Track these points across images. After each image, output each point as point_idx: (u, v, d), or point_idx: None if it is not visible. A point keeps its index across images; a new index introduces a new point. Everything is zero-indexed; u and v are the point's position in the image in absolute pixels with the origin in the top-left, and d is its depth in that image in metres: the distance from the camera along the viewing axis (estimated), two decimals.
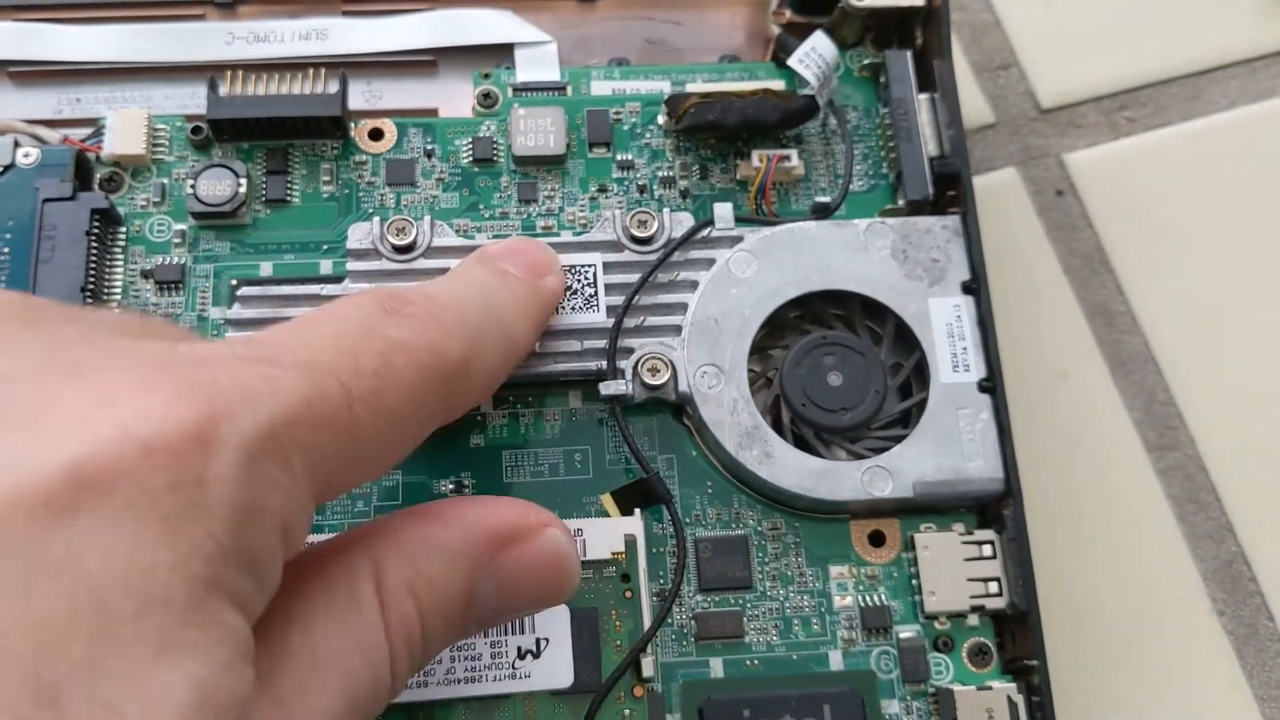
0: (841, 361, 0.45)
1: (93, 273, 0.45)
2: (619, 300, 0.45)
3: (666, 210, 0.46)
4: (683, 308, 0.45)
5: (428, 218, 0.46)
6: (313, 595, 0.30)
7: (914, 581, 0.44)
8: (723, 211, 0.46)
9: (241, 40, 0.52)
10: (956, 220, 0.47)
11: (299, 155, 0.48)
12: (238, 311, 0.44)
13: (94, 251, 0.45)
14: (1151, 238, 0.56)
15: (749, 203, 0.48)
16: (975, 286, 0.46)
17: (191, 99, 0.51)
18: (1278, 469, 0.52)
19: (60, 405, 0.25)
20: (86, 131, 0.48)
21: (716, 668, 0.42)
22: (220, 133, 0.47)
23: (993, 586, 0.43)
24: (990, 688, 0.42)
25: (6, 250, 0.44)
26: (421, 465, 0.44)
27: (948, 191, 0.48)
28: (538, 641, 0.41)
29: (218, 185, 0.46)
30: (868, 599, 0.43)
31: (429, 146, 0.49)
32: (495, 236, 0.47)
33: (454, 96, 0.52)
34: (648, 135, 0.49)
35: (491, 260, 0.40)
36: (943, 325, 0.45)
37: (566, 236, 0.47)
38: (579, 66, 0.52)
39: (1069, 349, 0.54)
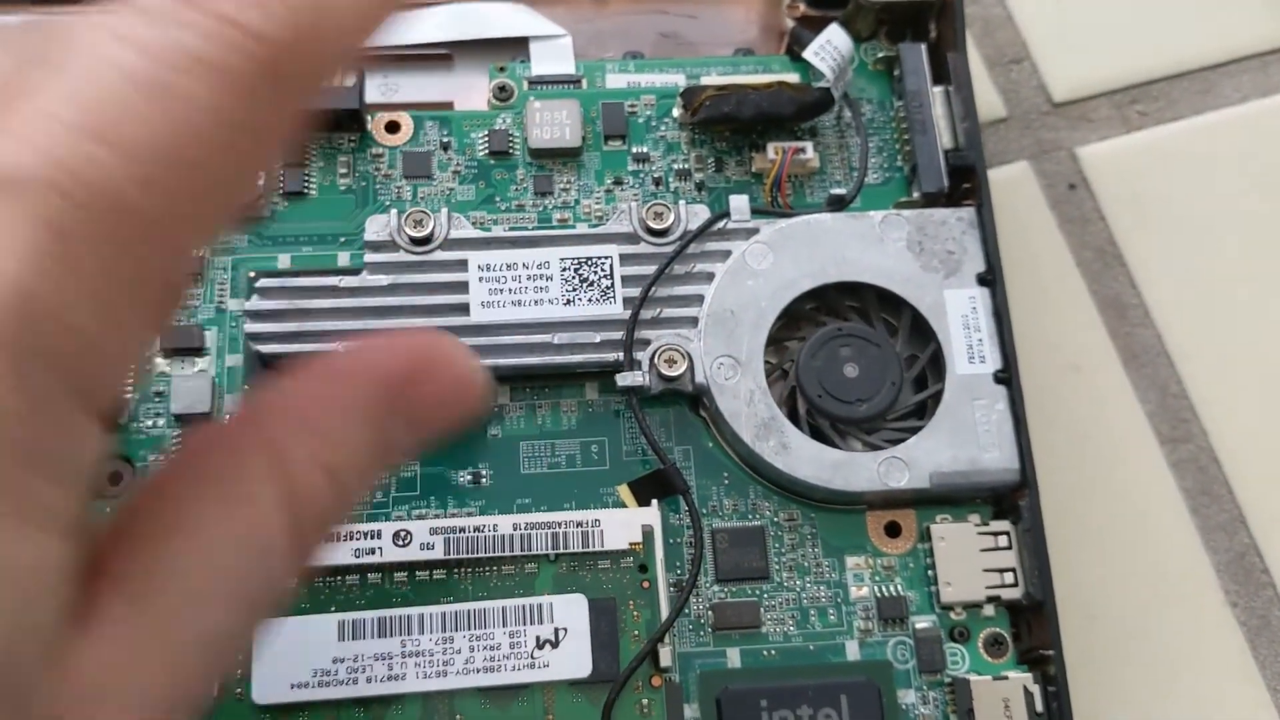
0: (857, 353, 0.45)
1: None
2: (635, 292, 0.45)
3: (682, 203, 0.47)
4: (699, 299, 0.45)
5: (445, 210, 0.46)
6: (201, 495, 0.25)
7: (930, 572, 0.44)
8: (738, 204, 0.47)
9: None
10: (971, 212, 0.47)
11: (316, 148, 0.48)
12: (256, 303, 0.44)
13: None
14: (1164, 231, 0.56)
15: (765, 195, 0.48)
16: (990, 278, 0.46)
17: None
18: None
19: None
20: None
21: (734, 658, 0.43)
22: None
23: (1008, 577, 0.43)
24: (1006, 678, 0.42)
25: None
26: (439, 457, 0.44)
27: (962, 184, 0.48)
28: (556, 631, 0.41)
29: None
30: (884, 589, 0.44)
31: (445, 139, 0.49)
32: (512, 229, 0.47)
33: (469, 90, 0.52)
34: (663, 128, 0.50)
35: None
36: (958, 317, 0.45)
37: (583, 229, 0.47)
38: (594, 60, 0.52)
39: (1081, 342, 0.54)
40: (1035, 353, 0.52)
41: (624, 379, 0.44)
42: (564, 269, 0.45)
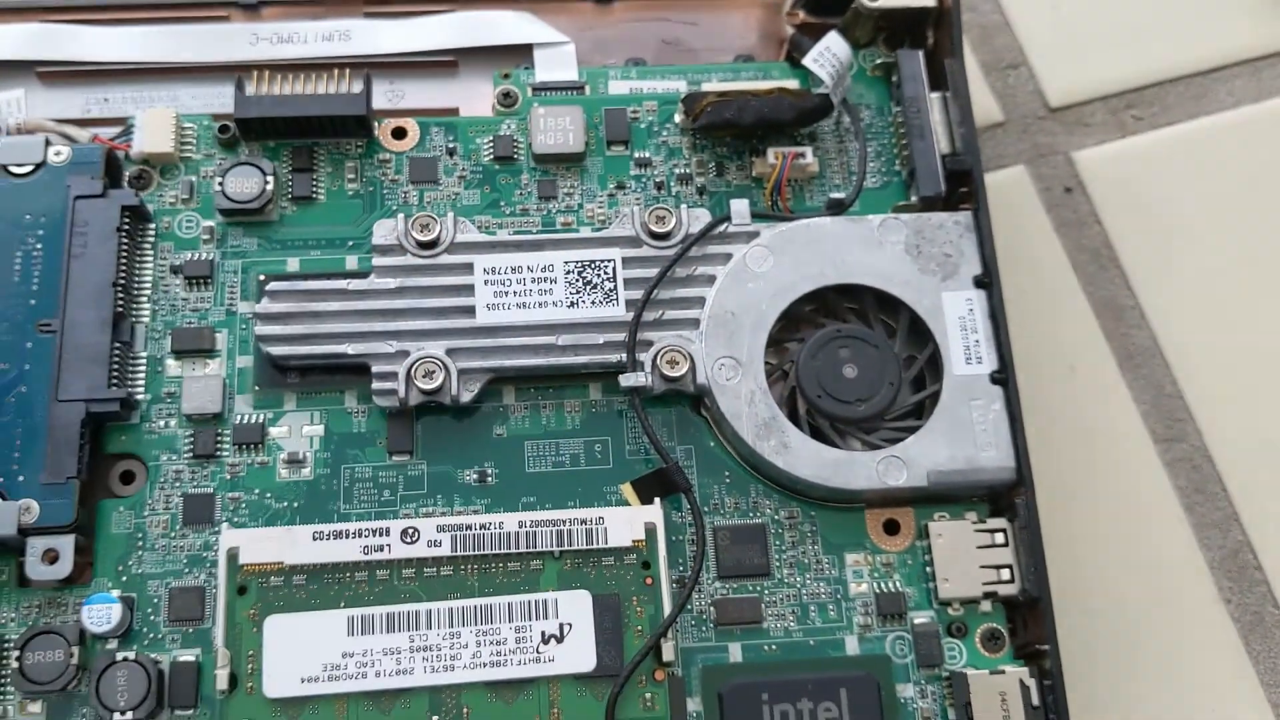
0: (856, 354, 0.46)
1: (123, 268, 0.46)
2: (638, 294, 0.46)
3: (684, 206, 0.47)
4: (700, 301, 0.46)
5: (451, 214, 0.47)
6: None
7: (928, 569, 0.45)
8: (739, 207, 0.47)
9: (265, 41, 0.53)
10: (968, 216, 0.48)
11: (324, 153, 0.49)
12: (266, 306, 0.45)
13: (124, 247, 0.46)
14: (1159, 234, 0.57)
15: (765, 199, 0.49)
16: (987, 280, 0.47)
17: (217, 98, 0.52)
18: None
19: None
20: (114, 131, 0.49)
21: (735, 653, 0.43)
22: (248, 131, 0.48)
23: (1005, 573, 0.44)
24: (1003, 672, 0.43)
25: (40, 246, 0.45)
26: (446, 455, 0.45)
27: (959, 188, 0.49)
28: (561, 627, 0.42)
29: (245, 183, 0.47)
30: (883, 586, 0.44)
31: (451, 145, 0.50)
32: (517, 232, 0.48)
33: (474, 96, 0.53)
34: (665, 133, 0.50)
35: None
36: (955, 318, 0.46)
37: (586, 232, 0.48)
38: (597, 66, 0.53)
39: (1078, 343, 0.55)
40: (1031, 354, 0.53)
41: (627, 379, 0.45)
42: (568, 272, 0.46)
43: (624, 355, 0.45)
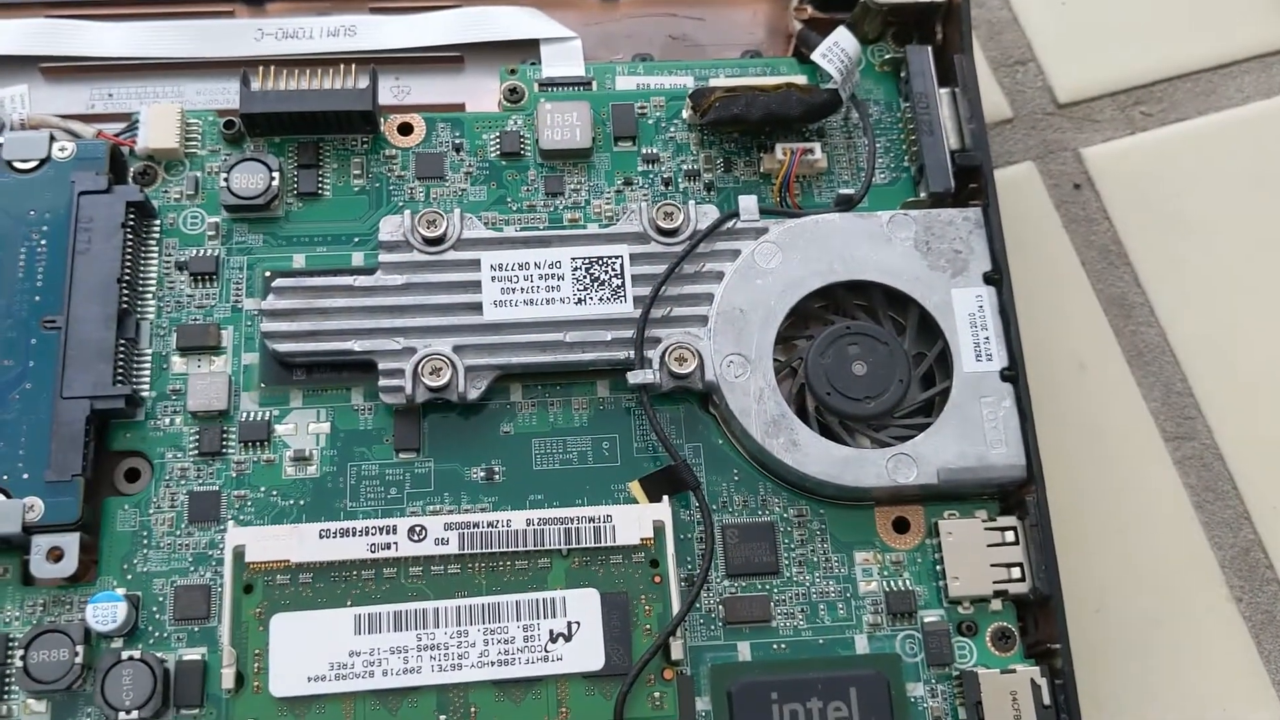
0: (866, 351, 0.46)
1: (128, 264, 0.45)
2: (646, 291, 0.45)
3: (692, 202, 0.47)
4: (709, 298, 0.46)
5: (457, 210, 0.46)
6: None
7: (938, 567, 0.44)
8: (747, 203, 0.47)
9: (270, 36, 0.53)
10: (978, 212, 0.47)
11: (330, 149, 0.49)
12: (272, 302, 0.45)
13: (129, 243, 0.46)
14: (1168, 230, 0.56)
15: (773, 195, 0.49)
16: (997, 277, 0.46)
17: (222, 94, 0.52)
18: None
19: None
20: (119, 126, 0.49)
21: (744, 651, 0.43)
22: (253, 127, 0.48)
23: (1015, 572, 0.44)
24: (1014, 671, 0.42)
25: (44, 242, 0.45)
26: (453, 453, 0.45)
27: (969, 184, 0.49)
28: (569, 625, 0.42)
29: (251, 179, 0.47)
30: (892, 584, 0.44)
31: (457, 140, 0.49)
32: (524, 229, 0.48)
33: (480, 92, 0.52)
34: (672, 129, 0.50)
35: None
36: (965, 315, 0.46)
37: (593, 229, 0.48)
38: (604, 62, 0.52)
39: (1087, 341, 0.55)
40: (1041, 351, 0.53)
41: (635, 377, 0.44)
42: (575, 268, 0.46)
43: (632, 352, 0.45)
